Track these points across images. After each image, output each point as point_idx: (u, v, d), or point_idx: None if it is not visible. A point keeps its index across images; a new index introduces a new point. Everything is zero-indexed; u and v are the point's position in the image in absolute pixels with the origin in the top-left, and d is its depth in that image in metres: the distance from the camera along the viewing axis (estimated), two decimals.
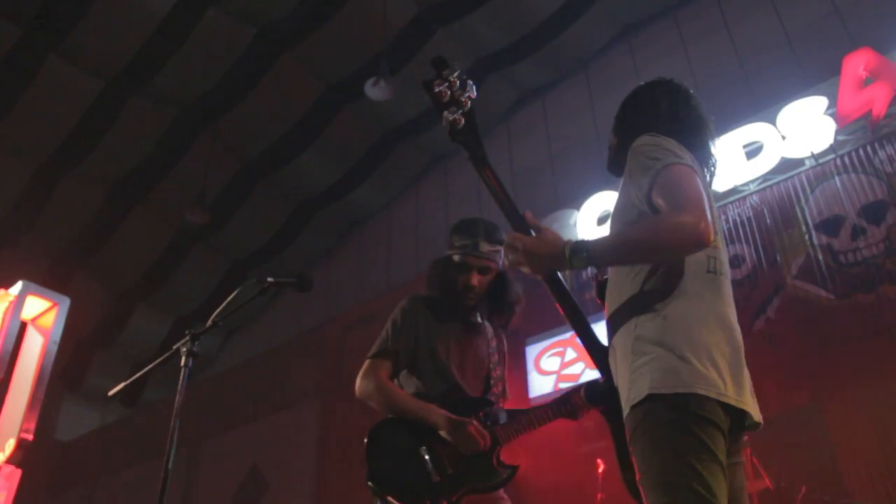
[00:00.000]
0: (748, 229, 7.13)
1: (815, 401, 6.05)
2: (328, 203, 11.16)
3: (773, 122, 7.25)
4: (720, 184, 7.29)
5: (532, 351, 7.97)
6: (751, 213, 7.18)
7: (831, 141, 6.95)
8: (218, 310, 2.97)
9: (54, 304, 5.47)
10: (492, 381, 3.27)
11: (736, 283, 6.63)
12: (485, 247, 3.24)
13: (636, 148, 2.33)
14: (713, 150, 2.51)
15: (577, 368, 7.62)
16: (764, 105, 7.48)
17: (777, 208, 7.06)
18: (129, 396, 12.02)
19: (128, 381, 3.23)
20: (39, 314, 5.44)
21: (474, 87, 2.40)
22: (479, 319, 3.39)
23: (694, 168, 2.27)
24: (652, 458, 2.02)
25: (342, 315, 10.49)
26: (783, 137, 7.16)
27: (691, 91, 2.58)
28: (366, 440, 3.08)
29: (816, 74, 7.48)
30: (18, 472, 4.88)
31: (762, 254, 6.93)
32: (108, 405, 12.75)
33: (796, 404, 6.06)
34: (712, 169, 2.50)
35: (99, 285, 11.25)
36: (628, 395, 2.10)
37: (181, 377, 2.83)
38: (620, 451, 2.24)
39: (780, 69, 7.96)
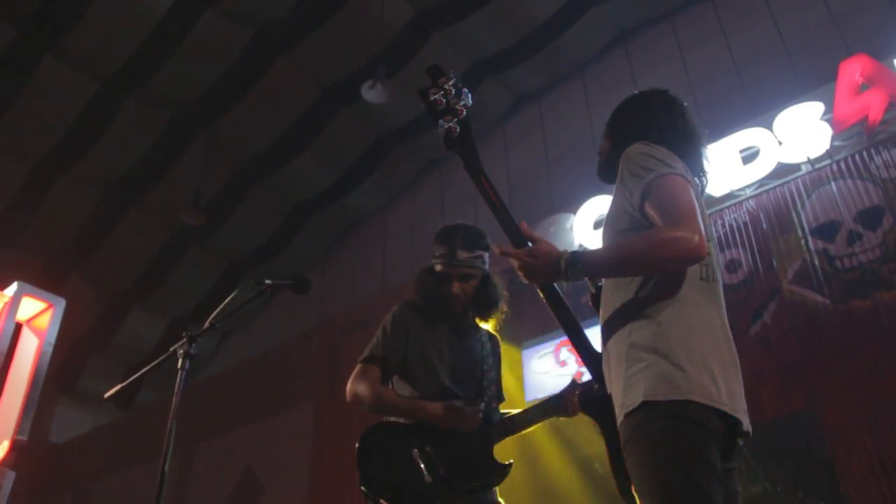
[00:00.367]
0: (744, 234, 7.13)
1: (811, 405, 6.06)
2: (324, 206, 11.15)
3: (769, 127, 7.26)
4: (716, 188, 7.30)
5: (529, 354, 7.96)
6: (747, 218, 7.19)
7: (827, 146, 6.96)
8: (215, 312, 2.97)
9: (50, 306, 5.44)
10: (485, 384, 3.28)
11: (732, 288, 6.74)
12: (462, 255, 3.25)
13: (629, 155, 2.34)
14: (705, 160, 2.52)
15: (572, 370, 7.61)
16: (760, 110, 7.49)
17: (773, 213, 7.07)
18: (124, 399, 11.98)
19: (124, 383, 3.22)
20: (34, 315, 5.41)
21: (469, 96, 2.41)
22: (471, 322, 3.41)
23: (687, 178, 2.28)
24: (647, 466, 2.02)
25: (337, 318, 10.47)
26: (780, 142, 7.17)
27: (685, 104, 2.60)
28: (357, 444, 3.07)
29: (812, 80, 7.50)
30: (12, 475, 4.86)
31: (758, 259, 6.94)
32: (102, 407, 12.70)
33: (792, 409, 6.07)
34: (704, 179, 2.50)
35: (94, 287, 11.23)
36: (622, 401, 2.11)
37: (178, 379, 2.83)
38: (614, 457, 2.24)
39: (777, 75, 7.98)
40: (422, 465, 2.96)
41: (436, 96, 2.37)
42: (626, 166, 2.32)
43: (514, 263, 2.27)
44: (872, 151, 6.77)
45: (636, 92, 2.69)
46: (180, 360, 2.83)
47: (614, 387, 2.18)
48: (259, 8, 8.85)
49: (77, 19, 8.47)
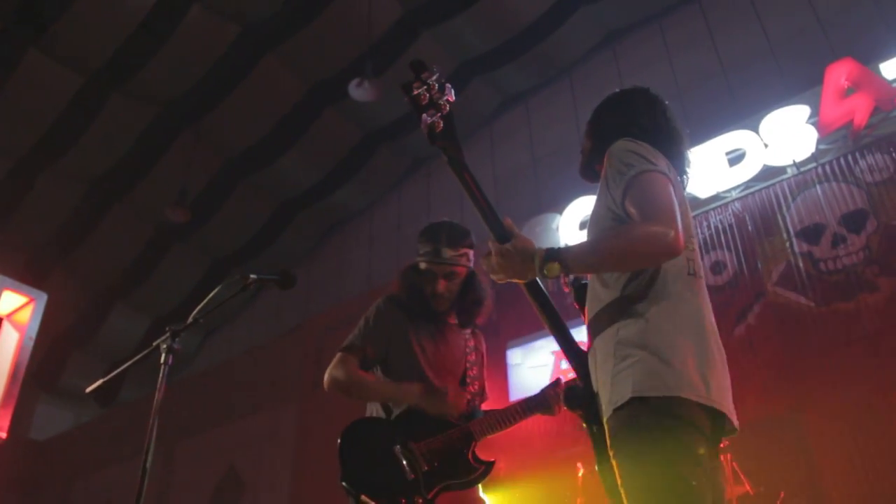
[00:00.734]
0: (730, 236, 7.15)
1: (794, 407, 6.08)
2: (310, 204, 11.12)
3: (755, 129, 7.29)
4: (702, 190, 7.33)
5: (513, 354, 7.96)
6: (733, 220, 7.21)
7: (813, 150, 6.99)
8: (199, 307, 2.95)
9: (31, 300, 5.40)
10: (468, 380, 3.28)
11: (717, 290, 6.77)
12: (447, 252, 3.27)
13: (612, 152, 2.33)
14: (687, 159, 2.52)
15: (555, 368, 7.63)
16: (747, 113, 7.51)
17: (759, 215, 7.09)
18: (105, 396, 11.91)
19: (107, 378, 3.19)
20: (16, 309, 5.37)
21: (453, 91, 2.39)
22: (455, 321, 3.40)
23: (668, 175, 2.28)
24: (634, 462, 2.02)
25: (321, 316, 10.44)
26: (765, 145, 7.19)
27: (666, 102, 2.60)
28: (339, 440, 3.07)
29: (799, 84, 7.53)
30: None
31: (743, 260, 6.96)
32: (83, 405, 12.62)
33: (775, 410, 6.08)
34: (686, 178, 2.50)
35: (76, 283, 11.13)
36: (610, 397, 2.10)
37: (161, 374, 2.80)
38: (600, 455, 2.22)
39: (763, 78, 8.02)
40: (404, 462, 2.95)
41: (419, 91, 2.35)
42: (609, 163, 2.31)
43: (492, 262, 2.24)
44: (857, 155, 6.81)
45: (617, 90, 2.70)
46: (163, 355, 2.81)
47: (602, 383, 2.17)
48: (246, 5, 8.81)
49: (62, 13, 8.40)
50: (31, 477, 12.19)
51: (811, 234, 6.74)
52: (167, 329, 2.84)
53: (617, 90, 2.70)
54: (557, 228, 8.32)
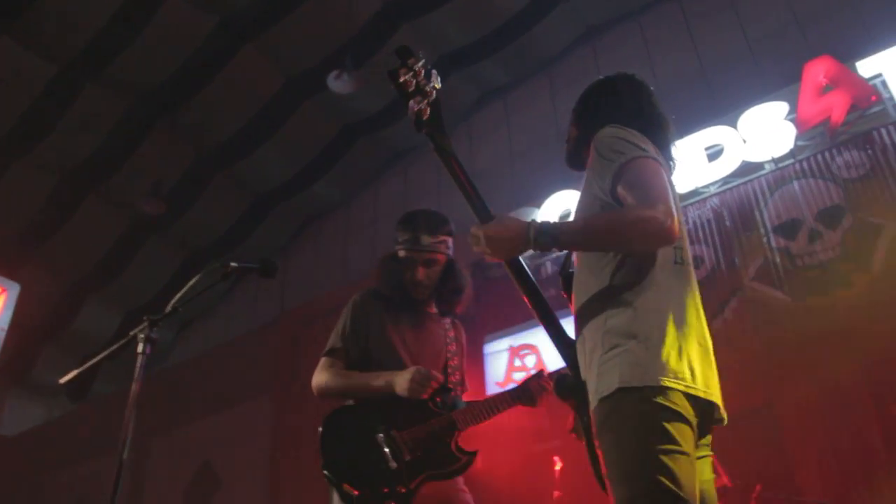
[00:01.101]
0: (708, 231, 7.20)
1: (769, 400, 6.12)
2: (287, 197, 11.04)
3: (734, 125, 7.33)
4: (681, 185, 7.35)
5: (490, 348, 7.95)
6: (711, 215, 7.25)
7: (791, 146, 7.05)
8: (178, 295, 2.90)
9: (3, 290, 5.33)
10: (449, 370, 3.28)
11: None
12: (426, 239, 3.26)
13: (600, 139, 2.32)
14: (673, 147, 2.52)
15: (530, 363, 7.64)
16: (726, 109, 7.55)
17: (737, 211, 7.14)
18: (78, 391, 11.78)
19: (82, 368, 3.12)
20: None
21: (439, 78, 2.38)
22: (435, 310, 3.39)
23: (658, 161, 2.27)
24: (619, 452, 2.01)
25: (298, 309, 10.41)
26: (744, 141, 7.24)
27: (651, 88, 2.60)
28: (320, 428, 3.05)
29: (776, 82, 7.57)
30: None
31: (721, 255, 7.00)
32: (55, 399, 12.48)
33: (751, 404, 6.10)
34: (672, 164, 2.49)
35: (48, 275, 10.96)
36: (597, 387, 2.10)
37: (138, 364, 2.75)
38: (589, 444, 2.22)
39: (742, 75, 8.06)
40: (386, 450, 2.94)
41: (405, 77, 2.34)
42: (597, 150, 2.30)
43: (480, 239, 2.21)
44: (834, 152, 6.88)
45: (602, 77, 2.69)
46: (140, 345, 2.76)
47: (590, 373, 2.16)
48: None
49: (35, 0, 8.26)
50: (1, 473, 12.03)
51: (788, 229, 6.79)
52: (145, 318, 2.79)
53: (602, 77, 2.70)
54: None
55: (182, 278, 10.82)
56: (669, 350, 2.06)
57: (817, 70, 7.04)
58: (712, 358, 2.21)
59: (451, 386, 3.21)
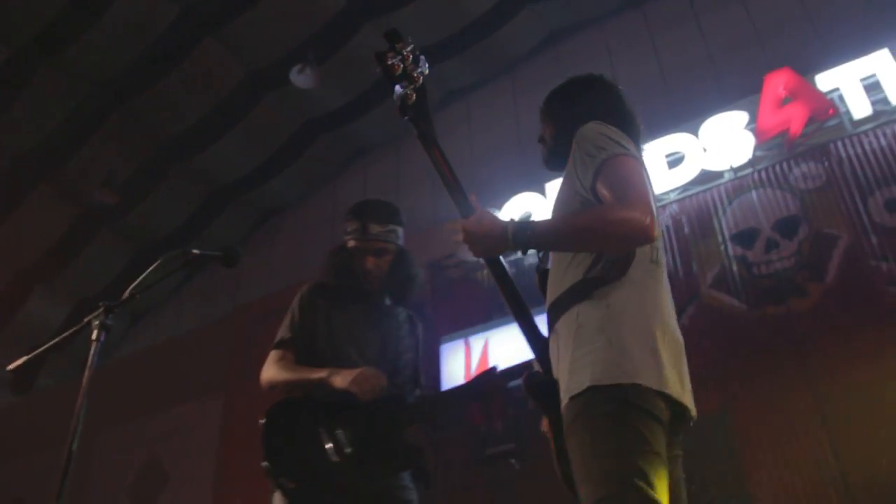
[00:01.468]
0: (667, 238, 7.24)
1: (725, 407, 6.18)
2: (243, 192, 10.87)
3: (695, 133, 7.41)
4: None
5: (447, 349, 7.91)
6: (670, 222, 7.31)
7: (750, 155, 7.15)
8: (136, 282, 2.80)
9: None
10: (400, 364, 3.22)
11: None
12: (374, 228, 3.24)
13: (583, 134, 2.30)
14: (642, 148, 2.53)
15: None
16: (687, 117, 7.63)
17: (695, 218, 7.21)
18: (21, 382, 11.46)
19: (32, 354, 3.01)
20: None
21: (427, 65, 2.35)
22: (388, 303, 3.35)
23: (639, 159, 2.27)
24: (589, 451, 1.98)
25: (252, 305, 10.27)
26: (704, 149, 7.32)
27: (621, 88, 2.63)
28: (262, 420, 2.99)
29: (736, 93, 7.67)
30: None
31: (679, 262, 7.06)
32: None
33: (706, 410, 6.14)
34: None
35: None
36: (568, 385, 2.07)
37: (92, 351, 2.65)
38: (558, 442, 2.19)
39: (703, 84, 8.16)
40: (329, 444, 2.88)
41: (393, 61, 2.31)
42: (578, 146, 2.28)
43: (459, 235, 2.21)
44: (792, 163, 6.99)
45: (573, 76, 2.70)
46: (95, 332, 2.65)
47: (561, 370, 2.14)
48: None
49: None
50: None
51: (745, 238, 6.88)
52: (101, 304, 2.69)
53: (573, 76, 2.70)
54: None
55: (134, 270, 10.50)
56: (643, 349, 2.04)
57: (777, 82, 7.15)
58: (685, 359, 2.21)
59: (401, 381, 3.17)
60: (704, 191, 7.32)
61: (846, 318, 6.05)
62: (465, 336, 7.80)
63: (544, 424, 2.35)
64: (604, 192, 2.13)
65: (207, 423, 9.68)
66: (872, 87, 6.85)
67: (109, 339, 2.58)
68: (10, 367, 2.99)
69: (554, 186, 7.00)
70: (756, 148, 7.15)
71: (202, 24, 8.89)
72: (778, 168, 7.04)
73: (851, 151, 6.72)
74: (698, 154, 7.35)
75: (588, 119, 2.39)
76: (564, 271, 2.25)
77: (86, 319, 2.70)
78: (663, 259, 2.33)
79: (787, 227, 6.73)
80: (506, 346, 6.90)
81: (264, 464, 2.91)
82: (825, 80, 7.08)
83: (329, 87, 9.37)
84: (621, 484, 1.91)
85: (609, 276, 2.15)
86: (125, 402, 10.44)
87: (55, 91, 9.08)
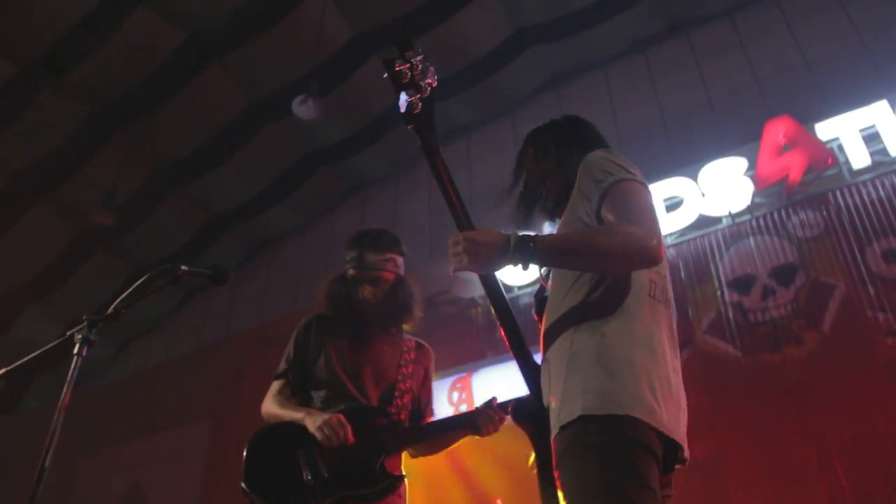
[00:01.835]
0: None
1: (716, 453, 6.12)
2: (241, 220, 10.89)
3: (694, 178, 7.43)
4: None
5: (437, 386, 7.83)
6: (666, 266, 7.28)
7: (748, 202, 7.16)
8: (122, 296, 2.74)
9: None
10: (397, 392, 3.17)
11: None
12: (371, 257, 3.25)
13: (589, 162, 2.27)
14: None
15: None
16: (686, 162, 7.65)
17: (692, 263, 7.20)
18: (7, 402, 11.35)
19: (17, 364, 2.95)
20: None
21: (435, 76, 2.32)
22: (390, 331, 3.33)
23: (646, 185, 2.24)
24: (582, 483, 1.91)
25: (244, 334, 10.23)
26: (703, 194, 7.33)
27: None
28: (247, 443, 3.01)
29: (736, 140, 7.70)
30: None
31: (674, 307, 7.01)
32: None
33: (700, 456, 6.09)
34: None
35: None
36: (559, 414, 2.01)
37: (73, 366, 2.58)
38: (544, 475, 2.12)
39: (703, 130, 8.19)
40: (304, 466, 2.86)
41: (401, 68, 2.28)
42: (585, 173, 2.25)
43: (459, 244, 2.13)
44: (790, 210, 6.99)
45: (555, 118, 2.69)
46: (77, 345, 2.59)
47: (552, 398, 2.08)
48: (195, 11, 8.59)
49: None
50: None
51: (742, 284, 6.86)
52: (84, 317, 2.63)
53: (555, 118, 2.69)
54: None
55: None
56: (637, 381, 1.99)
57: (777, 129, 7.19)
58: (682, 398, 2.15)
59: (393, 409, 3.12)
60: (702, 236, 7.32)
61: (842, 368, 6.01)
62: (457, 373, 7.74)
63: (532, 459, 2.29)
64: (608, 216, 2.10)
65: (193, 451, 9.58)
66: (872, 138, 6.89)
67: (97, 364, 2.52)
68: None
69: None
70: (755, 194, 7.17)
71: (207, 51, 8.96)
72: (776, 215, 7.05)
73: (850, 201, 6.74)
74: (697, 199, 7.35)
75: (588, 148, 2.39)
76: (563, 298, 2.21)
77: (68, 333, 2.64)
78: (665, 296, 2.26)
79: (784, 274, 6.71)
80: (495, 385, 6.86)
81: (241, 485, 2.91)
82: (825, 130, 7.12)
83: (330, 120, 9.42)
84: None
85: (605, 305, 2.11)
86: (111, 426, 10.35)
87: (58, 110, 9.12)
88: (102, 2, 8.19)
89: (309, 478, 2.83)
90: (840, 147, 7.02)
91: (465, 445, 3.18)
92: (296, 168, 10.50)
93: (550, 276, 2.40)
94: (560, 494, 1.99)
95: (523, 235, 2.08)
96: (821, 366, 6.13)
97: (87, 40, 8.45)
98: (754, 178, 7.21)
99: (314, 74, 8.61)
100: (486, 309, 8.39)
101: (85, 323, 2.60)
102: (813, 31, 8.21)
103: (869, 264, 6.34)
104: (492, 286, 2.26)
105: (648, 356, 2.06)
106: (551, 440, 2.04)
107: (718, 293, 6.92)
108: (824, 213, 6.82)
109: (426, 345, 3.43)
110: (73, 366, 2.56)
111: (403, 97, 2.28)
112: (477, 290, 8.27)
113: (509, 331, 2.26)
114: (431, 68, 2.30)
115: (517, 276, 7.78)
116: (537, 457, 2.18)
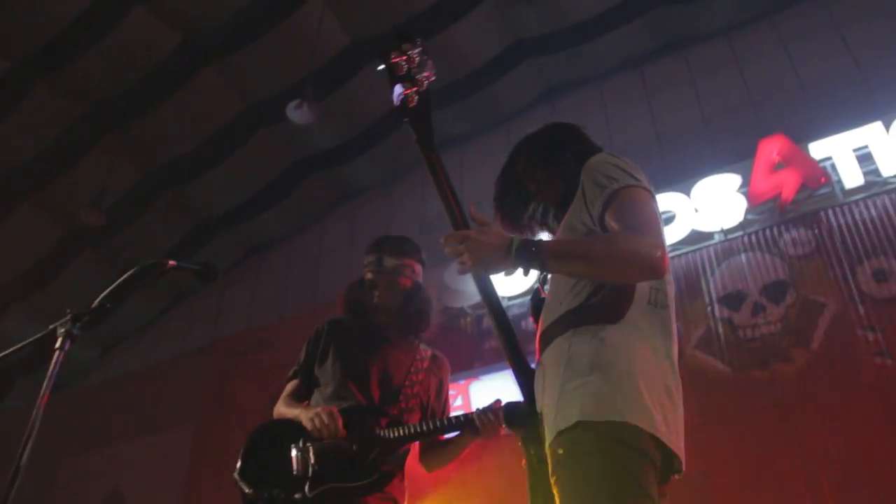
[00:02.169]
0: None
1: (704, 470, 6.08)
2: (231, 224, 10.82)
3: (687, 193, 7.44)
4: None
5: None
6: (671, 274, 7.28)
7: (741, 218, 7.18)
8: (108, 290, 2.67)
9: None
10: (401, 397, 3.14)
11: None
12: (390, 262, 3.24)
13: (593, 166, 2.22)
14: None
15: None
16: (680, 177, 7.67)
17: (683, 278, 7.19)
18: None
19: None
20: None
21: (434, 70, 2.28)
22: (405, 339, 3.30)
23: (651, 192, 2.20)
24: (577, 492, 1.86)
25: (230, 339, 10.16)
26: (696, 210, 7.35)
27: None
28: (247, 437, 3.03)
29: (729, 157, 7.72)
30: None
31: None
32: None
33: (686, 471, 6.07)
34: None
35: None
36: (555, 420, 1.94)
37: (54, 359, 2.50)
38: (534, 481, 2.07)
39: (697, 146, 8.22)
40: (294, 456, 2.83)
41: (398, 60, 2.23)
42: (588, 177, 2.20)
43: (459, 240, 2.07)
44: (783, 228, 7.02)
45: (548, 124, 2.67)
46: (60, 340, 2.53)
47: (547, 402, 2.03)
48: (192, 13, 8.55)
49: None
50: None
51: (733, 300, 6.87)
52: (68, 311, 2.57)
53: (546, 124, 2.67)
54: None
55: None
56: (634, 388, 1.93)
57: (771, 147, 7.23)
58: (681, 410, 2.10)
59: (396, 411, 3.09)
60: (694, 251, 7.33)
61: (830, 386, 6.02)
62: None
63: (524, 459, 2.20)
64: (613, 224, 2.05)
65: (175, 456, 9.48)
66: (864, 158, 6.94)
67: (80, 366, 2.45)
68: None
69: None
70: (747, 211, 7.20)
71: (204, 53, 8.92)
72: (768, 232, 7.07)
73: (842, 220, 6.77)
74: (690, 214, 7.37)
75: (590, 152, 2.36)
76: (561, 302, 2.15)
77: (51, 327, 2.57)
78: (666, 303, 2.18)
79: (774, 291, 6.73)
80: (485, 396, 6.83)
81: (234, 475, 2.90)
82: (818, 149, 7.16)
83: (323, 127, 9.39)
84: None
85: (606, 311, 2.05)
86: (93, 429, 10.26)
87: (51, 108, 9.04)
88: (97, 1, 8.14)
89: (298, 469, 2.80)
90: (833, 166, 7.06)
91: None
92: (288, 174, 10.47)
93: (549, 279, 2.36)
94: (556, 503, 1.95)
95: (525, 240, 2.03)
96: (809, 383, 6.14)
97: (82, 38, 8.39)
98: (747, 195, 7.24)
99: (309, 80, 8.59)
100: (475, 320, 8.37)
101: (68, 317, 2.53)
102: (807, 53, 8.27)
103: (859, 283, 6.36)
104: (486, 286, 2.20)
105: (647, 365, 2.00)
106: (546, 446, 1.99)
107: (709, 309, 6.93)
108: (816, 231, 6.85)
109: (442, 356, 3.39)
110: (54, 360, 2.49)
111: (398, 90, 2.23)
112: (467, 300, 8.25)
113: (503, 332, 2.20)
114: (430, 62, 2.24)
115: (507, 287, 7.76)
116: (528, 463, 2.13)
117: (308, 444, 2.85)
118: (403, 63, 2.22)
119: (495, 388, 6.92)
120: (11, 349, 2.68)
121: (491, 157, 10.03)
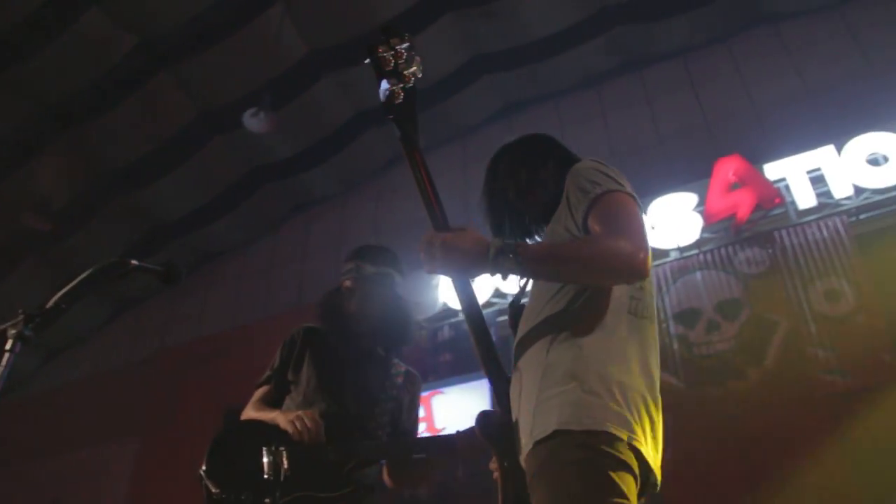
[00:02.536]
0: None
1: (659, 485, 6.12)
2: (183, 232, 10.62)
3: (644, 210, 7.48)
4: None
5: None
6: (653, 283, 7.33)
7: (697, 237, 7.28)
8: (65, 290, 2.56)
9: None
10: (376, 410, 3.08)
11: None
12: (369, 269, 3.18)
13: (578, 171, 2.20)
14: None
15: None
16: (637, 195, 7.70)
17: None
18: None
19: None
20: None
21: (421, 67, 2.24)
22: (381, 352, 3.24)
23: (635, 198, 2.19)
24: (557, 501, 1.82)
25: (179, 349, 9.97)
26: (652, 227, 7.41)
27: None
28: (214, 435, 2.95)
29: (684, 177, 7.80)
30: None
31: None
32: None
33: None
34: None
35: None
36: (531, 429, 1.91)
37: (4, 361, 2.39)
38: (506, 488, 2.03)
39: (653, 165, 8.29)
40: (265, 460, 2.75)
41: (385, 54, 2.19)
42: (573, 182, 2.17)
43: (434, 244, 2.02)
44: (737, 247, 7.13)
45: (519, 136, 2.66)
46: (10, 342, 2.41)
47: (523, 411, 1.99)
48: (149, 16, 8.38)
49: None
50: None
51: (688, 317, 6.94)
52: (20, 312, 2.45)
53: (524, 135, 2.66)
54: (437, 286, 8.27)
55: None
56: (613, 396, 1.90)
57: (728, 167, 7.34)
58: (660, 428, 2.07)
59: (373, 426, 3.04)
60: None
61: (782, 402, 6.10)
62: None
63: (492, 463, 2.15)
64: (595, 227, 2.02)
65: (118, 468, 9.25)
66: (817, 180, 7.09)
67: (19, 375, 2.33)
68: None
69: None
70: (703, 230, 7.31)
71: (159, 57, 8.75)
72: (723, 251, 7.17)
73: (795, 240, 6.89)
74: (646, 231, 7.41)
75: (572, 160, 2.35)
76: (541, 308, 2.12)
77: (1, 327, 2.44)
78: (648, 313, 2.16)
79: (729, 309, 6.82)
80: (455, 407, 6.78)
81: (200, 471, 2.81)
82: (773, 170, 7.30)
83: (280, 136, 9.29)
84: None
85: (584, 319, 2.02)
86: (32, 440, 9.97)
87: None
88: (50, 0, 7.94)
89: (269, 474, 2.72)
90: (787, 187, 7.20)
91: None
92: (242, 182, 10.34)
93: (529, 286, 2.33)
94: None
95: (504, 244, 1.95)
96: (763, 400, 6.22)
97: (33, 38, 8.13)
98: (703, 214, 7.34)
99: (267, 88, 8.50)
100: (430, 333, 8.33)
101: (21, 317, 2.41)
102: (761, 75, 8.44)
103: (812, 302, 6.48)
104: (462, 287, 2.14)
105: (627, 373, 1.97)
106: (522, 457, 1.95)
107: (664, 325, 6.97)
108: (770, 251, 6.96)
109: (415, 373, 3.33)
110: (4, 363, 2.36)
111: (384, 85, 2.18)
112: (422, 312, 8.20)
113: (480, 337, 2.14)
114: (417, 58, 2.19)
115: (481, 294, 7.73)
116: (501, 473, 2.08)
117: (281, 448, 2.77)
118: (390, 58, 2.17)
119: (458, 401, 6.87)
120: None
121: (446, 171, 10.12)
